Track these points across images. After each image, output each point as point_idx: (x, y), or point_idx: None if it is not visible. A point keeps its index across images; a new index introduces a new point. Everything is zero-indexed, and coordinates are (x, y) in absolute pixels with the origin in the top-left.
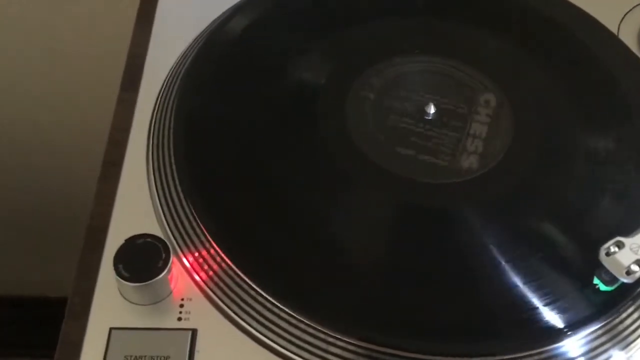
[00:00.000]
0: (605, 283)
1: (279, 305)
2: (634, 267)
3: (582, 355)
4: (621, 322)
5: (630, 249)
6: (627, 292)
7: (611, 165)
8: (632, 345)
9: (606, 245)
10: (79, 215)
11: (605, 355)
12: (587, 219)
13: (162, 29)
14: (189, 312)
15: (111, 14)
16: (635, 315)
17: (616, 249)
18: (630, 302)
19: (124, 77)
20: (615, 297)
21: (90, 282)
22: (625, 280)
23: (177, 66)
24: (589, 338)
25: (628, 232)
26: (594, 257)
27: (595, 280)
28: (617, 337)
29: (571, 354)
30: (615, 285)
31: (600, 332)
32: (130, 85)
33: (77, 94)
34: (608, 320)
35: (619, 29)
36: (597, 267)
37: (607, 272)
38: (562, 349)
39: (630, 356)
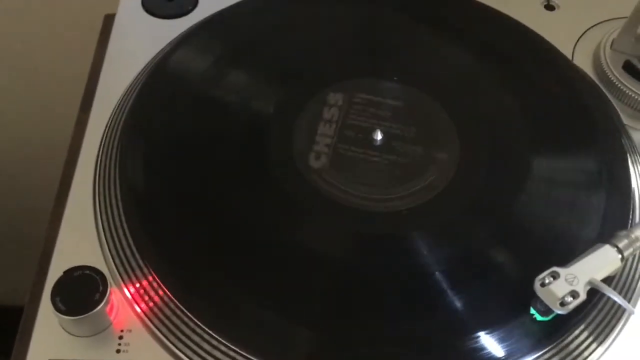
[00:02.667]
0: (541, 313)
1: (218, 338)
2: (568, 299)
3: None
4: (572, 342)
5: (566, 280)
6: (569, 319)
7: (552, 190)
8: None
9: (541, 276)
10: (39, 226)
11: None
12: (529, 246)
13: (117, 49)
14: (128, 344)
15: (76, 31)
16: (583, 336)
17: (551, 279)
18: (579, 323)
19: (83, 98)
20: (558, 324)
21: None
22: (559, 312)
23: (128, 91)
24: None
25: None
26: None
27: (532, 311)
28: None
29: None
30: (551, 316)
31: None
32: (89, 107)
33: (42, 110)
34: (553, 346)
35: (573, 52)
36: (533, 298)
37: (542, 302)
38: None
39: None
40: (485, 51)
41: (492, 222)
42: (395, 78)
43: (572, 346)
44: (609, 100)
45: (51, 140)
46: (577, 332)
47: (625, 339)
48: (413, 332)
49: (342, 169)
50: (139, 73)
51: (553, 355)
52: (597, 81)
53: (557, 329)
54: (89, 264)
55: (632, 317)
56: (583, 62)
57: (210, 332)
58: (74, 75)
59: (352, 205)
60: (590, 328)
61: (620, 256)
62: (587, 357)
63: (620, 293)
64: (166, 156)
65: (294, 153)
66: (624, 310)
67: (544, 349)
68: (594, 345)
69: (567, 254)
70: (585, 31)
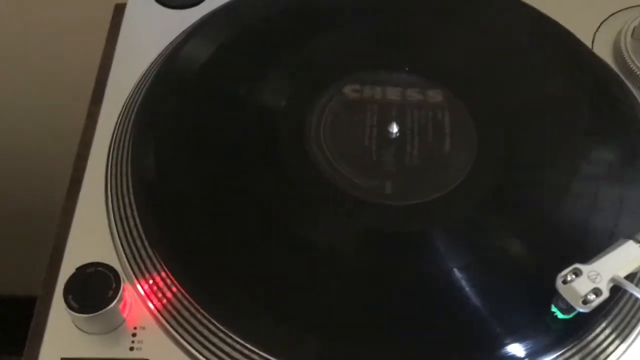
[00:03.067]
0: (562, 311)
1: (232, 335)
2: (591, 296)
3: None
4: (594, 339)
5: (588, 277)
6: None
7: (576, 186)
8: None
9: (563, 273)
10: (52, 216)
11: None
12: (551, 241)
13: (127, 41)
14: (142, 342)
15: (86, 22)
16: (606, 333)
17: (573, 277)
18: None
19: (94, 91)
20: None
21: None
22: (581, 310)
23: (139, 84)
24: None
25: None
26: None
27: (553, 309)
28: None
29: None
30: (573, 314)
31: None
32: (100, 99)
33: (53, 102)
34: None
35: (593, 39)
36: (555, 295)
37: (565, 300)
38: None
39: None
40: (504, 40)
41: (512, 218)
42: (407, 68)
43: (594, 344)
44: (630, 91)
45: (63, 133)
46: (599, 329)
47: None
48: (431, 331)
49: (354, 162)
50: (151, 65)
51: (575, 353)
52: (617, 70)
53: (580, 326)
54: (101, 260)
55: None
56: (603, 51)
57: (223, 328)
58: (85, 67)
59: (368, 200)
60: (613, 325)
61: None
62: (610, 354)
63: None
64: (179, 150)
65: (307, 147)
66: None
67: (566, 347)
68: (617, 342)
69: (590, 249)
70: (606, 19)
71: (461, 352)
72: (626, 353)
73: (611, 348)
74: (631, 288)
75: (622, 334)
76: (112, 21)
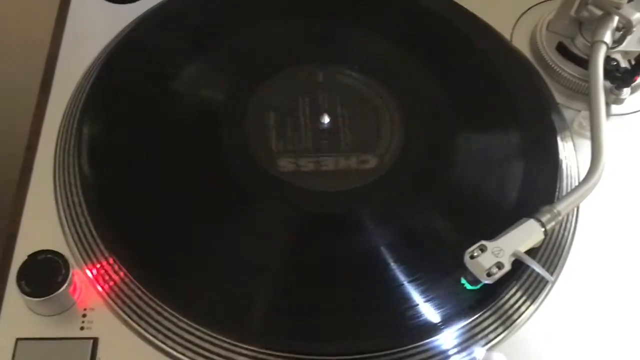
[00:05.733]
0: (470, 283)
1: (174, 313)
2: (494, 270)
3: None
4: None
5: (492, 252)
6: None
7: (481, 166)
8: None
9: (470, 249)
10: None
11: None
12: (464, 220)
13: (74, 32)
14: (92, 322)
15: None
16: (518, 295)
17: (479, 252)
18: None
19: (42, 80)
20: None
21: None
22: (486, 281)
23: (86, 75)
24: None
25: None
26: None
27: (462, 281)
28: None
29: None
30: (479, 286)
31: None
32: (49, 89)
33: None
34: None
35: (512, 32)
36: (463, 269)
37: (472, 273)
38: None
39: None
40: (422, 33)
41: (429, 200)
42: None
43: (507, 305)
44: (542, 79)
45: (13, 121)
46: (511, 292)
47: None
48: (355, 301)
49: (291, 149)
50: (97, 56)
51: (491, 315)
52: (533, 61)
53: (494, 290)
54: (52, 247)
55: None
56: (521, 42)
57: (167, 308)
58: (33, 55)
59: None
60: (524, 288)
61: (543, 229)
62: (522, 314)
63: (546, 261)
64: (124, 140)
65: (247, 138)
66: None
67: (483, 309)
68: (527, 303)
69: (499, 227)
70: (524, 12)
71: (384, 320)
72: (536, 312)
73: (522, 309)
74: (529, 261)
75: (532, 295)
76: (59, 8)
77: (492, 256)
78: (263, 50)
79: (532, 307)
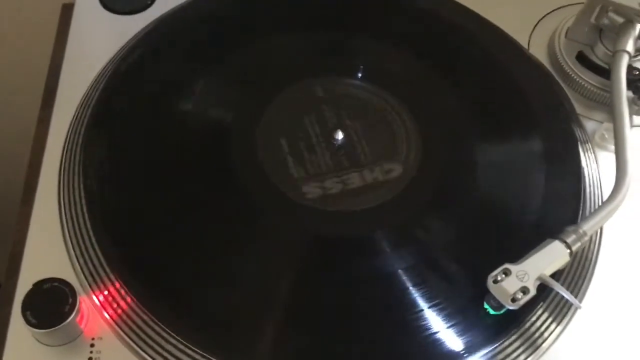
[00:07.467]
0: (494, 308)
1: (184, 342)
2: (519, 295)
3: None
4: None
5: (517, 276)
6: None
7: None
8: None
9: (494, 273)
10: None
11: None
12: (487, 242)
13: (77, 46)
14: (100, 352)
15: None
16: (544, 317)
17: (503, 276)
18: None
19: (44, 96)
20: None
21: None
22: (510, 307)
23: (89, 93)
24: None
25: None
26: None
27: (485, 305)
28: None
29: None
30: (503, 311)
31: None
32: (51, 105)
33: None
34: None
35: (529, 40)
36: (487, 294)
37: (495, 298)
38: None
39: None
40: (440, 43)
41: (449, 221)
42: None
43: (533, 328)
44: (562, 90)
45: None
46: (536, 315)
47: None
48: (374, 330)
49: (312, 173)
50: (101, 72)
51: (516, 339)
52: (552, 70)
53: (520, 313)
54: (57, 274)
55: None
56: (539, 51)
57: (177, 336)
58: (34, 70)
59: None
60: (549, 310)
61: (568, 251)
62: (547, 337)
63: (570, 283)
64: (131, 161)
65: (257, 156)
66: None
67: (502, 340)
68: (553, 326)
69: (522, 248)
70: (542, 18)
71: (403, 349)
72: (561, 335)
73: (547, 333)
74: (556, 286)
75: (557, 318)
76: (60, 21)
77: (516, 280)
78: (259, 72)
79: (558, 329)
